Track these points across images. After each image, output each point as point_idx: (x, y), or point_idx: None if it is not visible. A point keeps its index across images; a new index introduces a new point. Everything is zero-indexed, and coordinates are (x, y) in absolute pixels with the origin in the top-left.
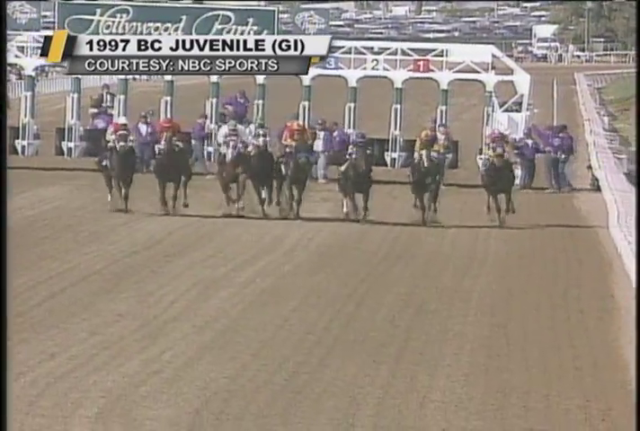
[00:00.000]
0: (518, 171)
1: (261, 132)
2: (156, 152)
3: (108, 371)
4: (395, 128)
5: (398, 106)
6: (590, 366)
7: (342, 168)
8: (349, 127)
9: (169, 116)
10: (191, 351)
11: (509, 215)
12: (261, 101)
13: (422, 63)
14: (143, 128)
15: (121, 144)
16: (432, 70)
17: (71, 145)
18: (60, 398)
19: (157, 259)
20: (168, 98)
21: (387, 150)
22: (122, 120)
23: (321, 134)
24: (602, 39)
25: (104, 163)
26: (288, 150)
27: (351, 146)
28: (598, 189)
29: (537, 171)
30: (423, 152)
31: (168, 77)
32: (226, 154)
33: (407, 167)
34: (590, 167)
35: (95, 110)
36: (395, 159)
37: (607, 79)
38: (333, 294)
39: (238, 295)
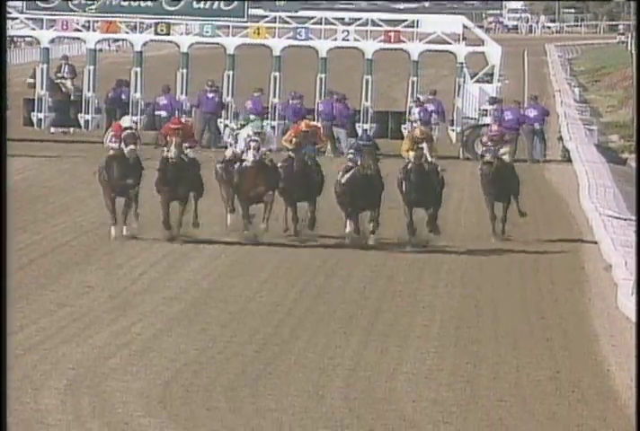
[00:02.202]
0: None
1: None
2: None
3: (77, 343)
4: (366, 100)
5: (369, 77)
6: (560, 338)
7: (343, 179)
8: (319, 98)
9: (138, 86)
10: (160, 323)
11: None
12: (231, 72)
13: (392, 34)
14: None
15: (131, 147)
16: (403, 41)
17: (41, 115)
18: (29, 370)
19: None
20: (138, 69)
21: (359, 121)
22: (126, 122)
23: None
24: (573, 10)
25: (104, 176)
26: (289, 155)
27: (351, 151)
28: (568, 160)
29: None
30: (414, 154)
31: (137, 48)
32: (247, 160)
33: (380, 138)
34: (560, 138)
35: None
36: (366, 130)
37: (577, 50)
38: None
39: (208, 267)
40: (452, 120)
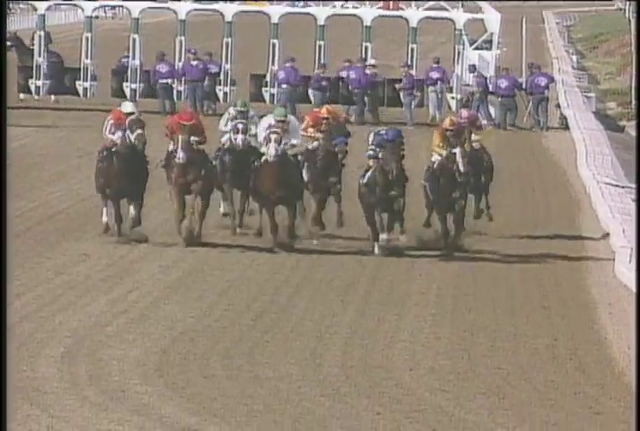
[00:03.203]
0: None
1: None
2: (165, 157)
3: (74, 311)
4: (366, 68)
5: (368, 44)
6: (558, 306)
7: (364, 179)
8: (317, 66)
9: (137, 54)
10: (157, 291)
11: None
12: (229, 40)
13: (391, 1)
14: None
15: (138, 132)
16: (402, 8)
17: (39, 83)
18: (26, 338)
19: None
20: (135, 36)
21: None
22: (128, 108)
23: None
24: None
25: (101, 168)
26: (310, 146)
27: (371, 147)
28: (566, 127)
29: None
30: (453, 151)
31: (135, 14)
32: (268, 155)
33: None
34: (558, 106)
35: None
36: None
37: (575, 17)
38: None
39: (206, 235)
40: (451, 87)
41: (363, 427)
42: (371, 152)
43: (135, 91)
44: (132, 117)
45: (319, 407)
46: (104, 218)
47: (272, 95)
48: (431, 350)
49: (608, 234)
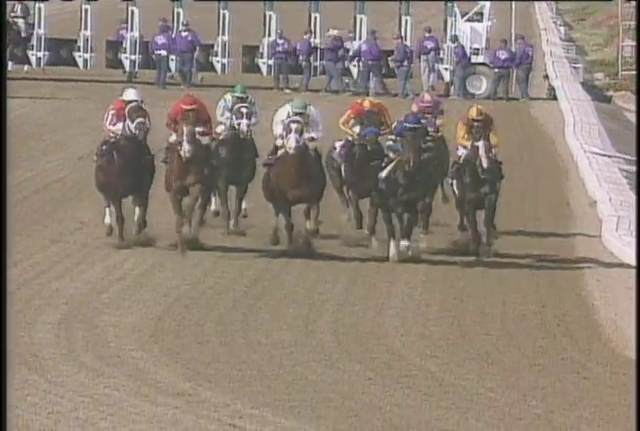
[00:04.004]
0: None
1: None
2: (165, 150)
3: (70, 278)
4: (360, 39)
5: (362, 16)
6: (545, 274)
7: (383, 173)
8: (314, 37)
9: (136, 26)
10: (152, 258)
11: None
12: (226, 11)
13: None
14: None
15: (139, 121)
16: None
17: (40, 54)
18: (24, 304)
19: None
20: (134, 7)
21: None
22: (130, 95)
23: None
24: None
25: (100, 164)
26: (348, 139)
27: (391, 137)
28: (554, 98)
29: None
30: (479, 144)
31: None
32: (288, 147)
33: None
34: (546, 76)
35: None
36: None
37: None
38: None
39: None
40: (441, 58)
41: (355, 392)
42: (390, 142)
43: (134, 62)
44: (132, 104)
45: (312, 372)
46: (107, 219)
47: (269, 66)
48: (421, 317)
49: (595, 202)
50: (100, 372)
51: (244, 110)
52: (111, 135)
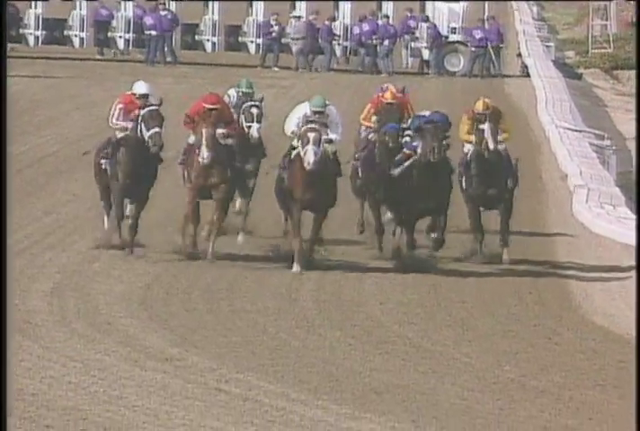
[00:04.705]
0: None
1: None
2: (183, 152)
3: (62, 248)
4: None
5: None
6: (518, 244)
7: (396, 171)
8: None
9: (130, 6)
10: (141, 228)
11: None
12: None
13: None
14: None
15: (155, 131)
16: None
17: (38, 33)
18: (18, 273)
19: None
20: None
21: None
22: (142, 89)
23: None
24: None
25: (103, 165)
26: (368, 137)
27: (408, 133)
28: (527, 75)
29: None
30: (484, 127)
31: None
32: (303, 160)
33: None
34: (519, 55)
35: None
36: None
37: None
38: None
39: None
40: (417, 38)
41: (336, 358)
42: (407, 138)
43: (128, 40)
44: (150, 108)
45: (294, 339)
46: (107, 225)
47: (258, 45)
48: (399, 285)
49: (566, 176)
50: (91, 338)
51: (254, 112)
52: (117, 133)
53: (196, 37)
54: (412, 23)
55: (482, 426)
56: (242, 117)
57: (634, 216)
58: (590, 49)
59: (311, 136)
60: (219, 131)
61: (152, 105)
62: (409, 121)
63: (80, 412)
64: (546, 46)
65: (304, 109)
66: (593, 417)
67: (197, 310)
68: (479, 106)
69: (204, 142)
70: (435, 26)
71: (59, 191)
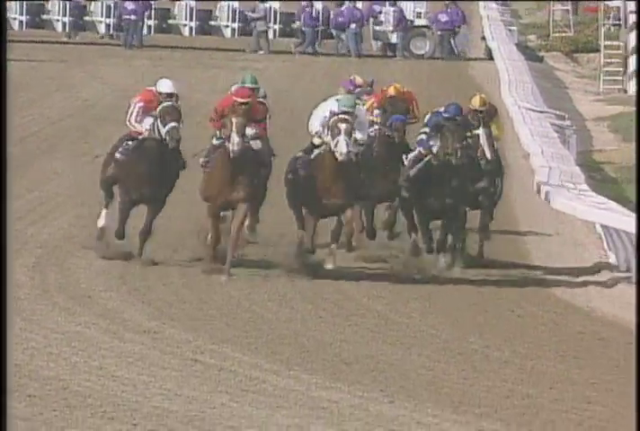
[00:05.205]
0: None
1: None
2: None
3: (44, 224)
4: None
5: None
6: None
7: (412, 171)
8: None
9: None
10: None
11: None
12: None
13: None
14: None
15: (172, 125)
16: None
17: (22, 18)
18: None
19: (91, 123)
20: None
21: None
22: (165, 87)
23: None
24: None
25: (116, 160)
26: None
27: (424, 130)
28: (491, 58)
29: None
30: (479, 132)
31: None
32: (335, 150)
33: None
34: (483, 38)
35: None
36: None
37: None
38: None
39: None
40: (382, 22)
41: (307, 330)
42: (423, 136)
43: (109, 26)
44: (166, 103)
45: (267, 311)
46: (101, 222)
47: (233, 30)
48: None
49: (528, 155)
50: (72, 311)
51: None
52: (136, 133)
53: (170, 21)
54: (377, 8)
55: (447, 395)
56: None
57: (593, 194)
58: (551, 33)
59: (342, 126)
60: (249, 131)
61: (172, 96)
62: (426, 117)
63: (61, 382)
64: (509, 30)
65: (329, 106)
66: (554, 386)
67: (173, 284)
68: (476, 102)
69: (234, 129)
70: (401, 10)
71: (41, 170)
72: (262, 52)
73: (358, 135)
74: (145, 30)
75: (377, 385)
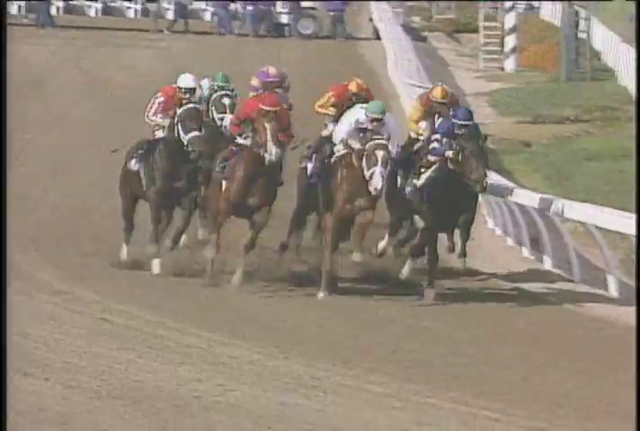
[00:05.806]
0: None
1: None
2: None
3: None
4: None
5: None
6: None
7: (420, 180)
8: None
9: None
10: (44, 178)
11: None
12: None
13: None
14: None
15: (194, 134)
16: None
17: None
18: None
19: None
20: None
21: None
22: (187, 82)
23: None
24: None
25: (136, 167)
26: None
27: (436, 136)
28: (378, 38)
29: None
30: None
31: None
32: (370, 183)
33: None
34: (371, 19)
35: None
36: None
37: None
38: None
39: None
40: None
41: (208, 290)
42: (436, 144)
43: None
44: (189, 106)
45: (172, 274)
46: (123, 254)
47: (136, 10)
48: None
49: None
50: None
51: (226, 102)
52: (154, 128)
53: (76, 2)
54: None
55: (337, 351)
56: (212, 108)
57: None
58: (433, 15)
59: (379, 154)
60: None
61: (194, 90)
62: (437, 123)
63: None
64: (395, 12)
65: (355, 115)
66: (437, 343)
67: (84, 249)
68: (437, 93)
69: (269, 138)
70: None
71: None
72: (166, 32)
73: (391, 148)
74: (54, 11)
75: (273, 342)
